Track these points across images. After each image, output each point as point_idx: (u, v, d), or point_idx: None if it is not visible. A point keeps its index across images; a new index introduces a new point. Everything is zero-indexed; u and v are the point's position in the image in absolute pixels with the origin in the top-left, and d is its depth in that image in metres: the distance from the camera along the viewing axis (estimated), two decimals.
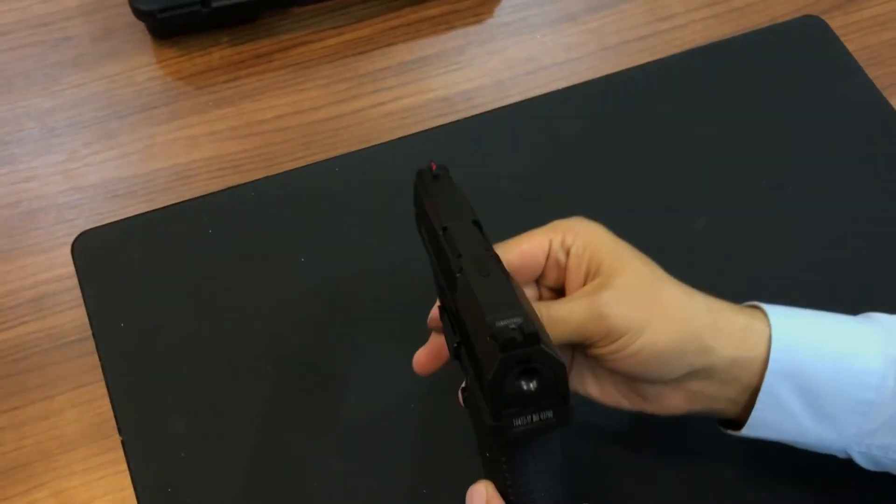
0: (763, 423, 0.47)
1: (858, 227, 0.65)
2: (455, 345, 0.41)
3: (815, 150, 0.68)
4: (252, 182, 0.66)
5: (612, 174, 0.67)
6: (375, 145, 0.67)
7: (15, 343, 0.60)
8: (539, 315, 0.42)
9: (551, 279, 0.48)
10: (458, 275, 0.41)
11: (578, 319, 0.44)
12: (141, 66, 0.73)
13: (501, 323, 0.37)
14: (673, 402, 0.47)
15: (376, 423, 0.56)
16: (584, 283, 0.46)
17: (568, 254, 0.46)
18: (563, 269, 0.47)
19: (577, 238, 0.46)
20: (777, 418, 0.46)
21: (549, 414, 0.38)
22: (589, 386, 0.49)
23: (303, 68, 0.72)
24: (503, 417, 0.37)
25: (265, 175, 0.66)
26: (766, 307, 0.47)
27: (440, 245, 0.43)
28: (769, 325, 0.46)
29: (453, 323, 0.42)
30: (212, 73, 0.72)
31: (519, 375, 0.37)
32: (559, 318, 0.44)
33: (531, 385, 0.37)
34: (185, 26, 0.72)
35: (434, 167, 0.46)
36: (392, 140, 0.68)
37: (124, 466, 0.55)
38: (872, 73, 0.72)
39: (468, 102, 0.71)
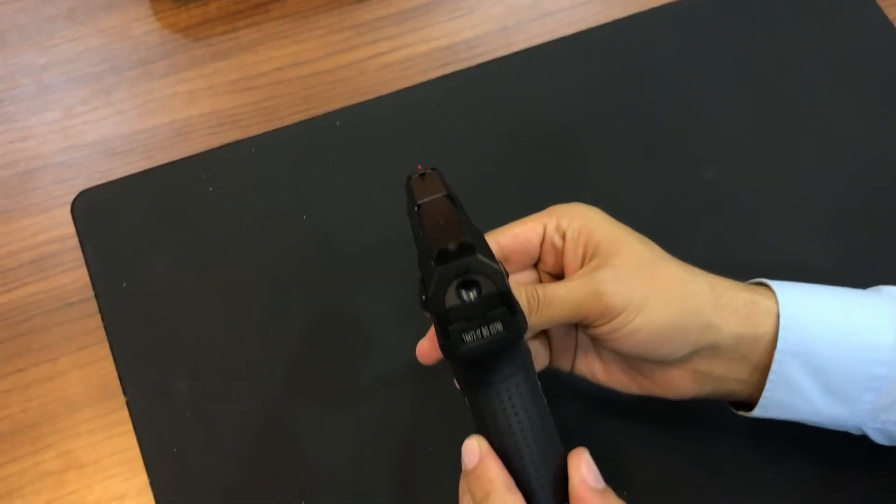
0: (774, 404, 0.46)
1: (875, 178, 0.63)
2: (423, 298, 0.40)
3: (830, 97, 0.66)
4: (252, 137, 0.64)
5: (620, 123, 0.65)
6: (376, 98, 0.66)
7: (17, 305, 0.60)
8: (536, 296, 0.42)
9: (549, 264, 0.47)
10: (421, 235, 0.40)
11: (575, 298, 0.43)
12: (137, 18, 0.71)
13: (443, 246, 0.37)
14: (681, 384, 0.46)
15: (382, 380, 0.56)
16: (582, 266, 0.45)
17: (564, 238, 0.46)
18: (560, 254, 0.47)
19: (573, 221, 0.46)
20: (788, 398, 0.45)
21: (499, 327, 0.37)
22: (597, 371, 0.49)
23: (301, 17, 0.70)
24: (451, 334, 0.37)
25: (265, 130, 0.65)
26: (772, 284, 0.46)
27: (413, 222, 0.42)
28: (776, 303, 0.45)
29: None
30: (209, 25, 0.70)
31: (459, 288, 0.37)
32: (556, 297, 0.43)
33: (471, 295, 0.37)
34: None
35: (421, 168, 0.44)
36: (393, 92, 0.66)
37: (130, 427, 0.55)
38: (893, 14, 0.70)
39: (472, 51, 0.69)
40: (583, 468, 0.40)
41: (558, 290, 0.43)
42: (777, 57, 0.68)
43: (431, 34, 0.70)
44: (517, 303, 0.38)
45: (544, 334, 0.49)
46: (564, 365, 0.50)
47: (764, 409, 0.46)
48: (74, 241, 0.61)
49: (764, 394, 0.45)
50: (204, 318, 0.58)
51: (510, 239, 0.46)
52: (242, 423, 0.55)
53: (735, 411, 0.49)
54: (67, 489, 0.55)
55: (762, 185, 0.63)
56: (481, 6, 0.71)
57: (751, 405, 0.47)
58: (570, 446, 0.41)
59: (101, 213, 0.62)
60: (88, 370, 0.58)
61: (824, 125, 0.65)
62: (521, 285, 0.43)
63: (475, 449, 0.40)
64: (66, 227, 0.62)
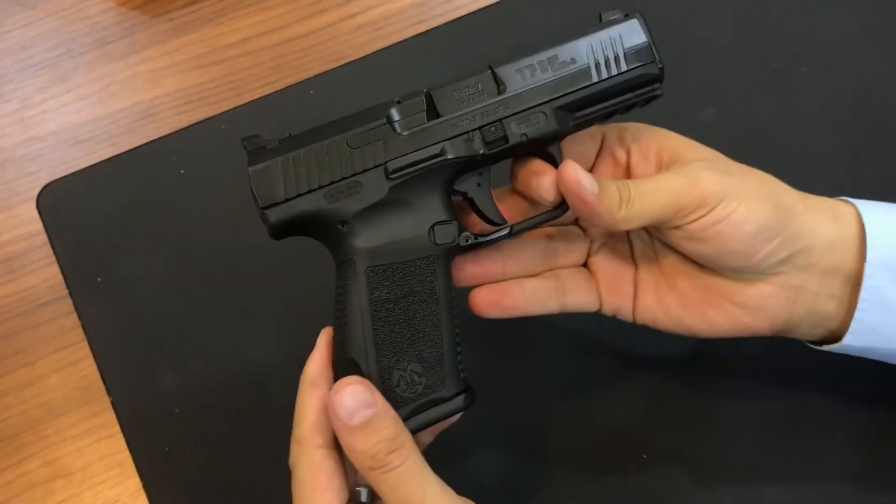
0: (867, 328, 0.43)
1: (879, 106, 0.60)
2: None
3: (827, 25, 0.63)
4: (222, 114, 0.61)
5: None
6: (350, 62, 0.62)
7: None
8: (628, 188, 0.41)
9: (605, 175, 0.45)
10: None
11: (671, 187, 0.41)
12: None
13: None
14: (776, 305, 0.43)
15: None
16: (657, 171, 0.43)
17: (629, 152, 0.44)
18: (621, 167, 0.44)
19: (640, 133, 0.44)
20: (881, 320, 0.43)
21: None
22: (671, 308, 0.45)
23: None
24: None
25: (235, 105, 0.62)
26: (846, 199, 0.44)
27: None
28: (854, 208, 0.43)
29: None
30: None
31: None
32: (649, 188, 0.41)
33: None
34: None
35: None
36: (368, 55, 0.63)
37: (117, 428, 0.53)
38: None
39: (447, 5, 0.66)
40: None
41: (649, 183, 0.41)
42: None
43: None
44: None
45: (587, 271, 0.47)
46: (623, 305, 0.46)
47: (856, 335, 0.43)
48: (43, 238, 0.58)
49: (856, 314, 0.42)
50: (185, 308, 0.56)
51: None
52: (233, 414, 0.53)
53: (818, 347, 0.46)
54: (56, 499, 0.52)
55: (762, 125, 0.59)
56: None
57: (835, 339, 0.44)
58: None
59: (68, 205, 0.59)
60: (69, 372, 0.55)
61: (824, 59, 0.61)
62: (607, 179, 0.41)
63: (322, 338, 0.42)
64: (32, 223, 0.59)
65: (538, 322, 0.47)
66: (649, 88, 0.42)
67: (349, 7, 0.66)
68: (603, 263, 0.46)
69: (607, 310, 0.46)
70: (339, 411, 0.37)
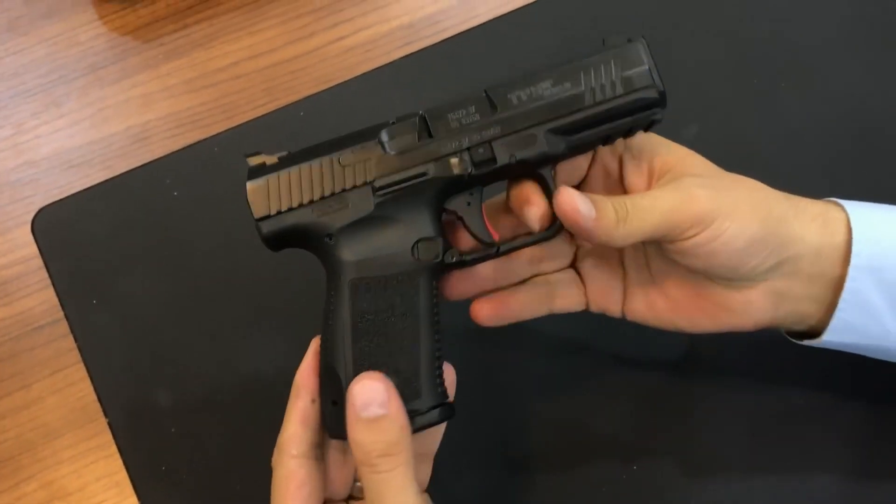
0: (846, 326, 0.44)
1: (860, 117, 0.61)
2: None
3: (805, 40, 0.64)
4: (214, 136, 0.62)
5: None
6: (340, 84, 0.63)
7: None
8: (624, 206, 0.41)
9: (597, 188, 0.46)
10: None
11: (666, 205, 0.41)
12: (82, 24, 0.68)
13: None
14: (760, 308, 0.44)
15: None
16: (650, 185, 0.44)
17: (621, 162, 0.44)
18: (613, 178, 0.45)
19: (631, 142, 0.44)
20: (860, 319, 0.44)
21: None
22: (659, 308, 0.46)
23: (254, 8, 0.68)
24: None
25: (227, 128, 0.62)
26: (837, 200, 0.45)
27: None
28: (845, 212, 0.44)
29: None
30: (158, 24, 0.68)
31: None
32: (644, 205, 0.41)
33: None
34: None
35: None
36: (357, 76, 0.64)
37: (114, 449, 0.53)
38: None
39: (434, 27, 0.67)
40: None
41: (644, 199, 0.42)
42: (751, 4, 0.66)
43: (391, 13, 0.67)
44: None
45: (575, 272, 0.48)
46: (612, 307, 0.47)
47: (835, 332, 0.44)
48: (38, 262, 0.58)
49: (836, 313, 0.44)
50: (180, 328, 0.56)
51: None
52: (230, 432, 0.53)
53: (797, 342, 0.47)
54: None
55: (745, 140, 0.61)
56: None
57: (815, 334, 0.45)
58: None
59: (63, 229, 0.59)
60: (65, 394, 0.56)
61: (804, 71, 0.63)
62: (604, 197, 0.41)
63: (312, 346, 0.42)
64: (27, 247, 0.59)
65: (524, 327, 0.48)
66: (649, 113, 0.43)
67: (338, 30, 0.67)
68: (592, 269, 0.47)
69: (595, 309, 0.48)
70: (356, 399, 0.38)
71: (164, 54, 0.66)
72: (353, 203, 0.42)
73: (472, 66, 0.64)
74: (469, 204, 0.44)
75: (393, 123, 0.43)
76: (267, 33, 0.67)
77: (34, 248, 0.58)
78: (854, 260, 0.43)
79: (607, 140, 0.44)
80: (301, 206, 0.42)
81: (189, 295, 0.57)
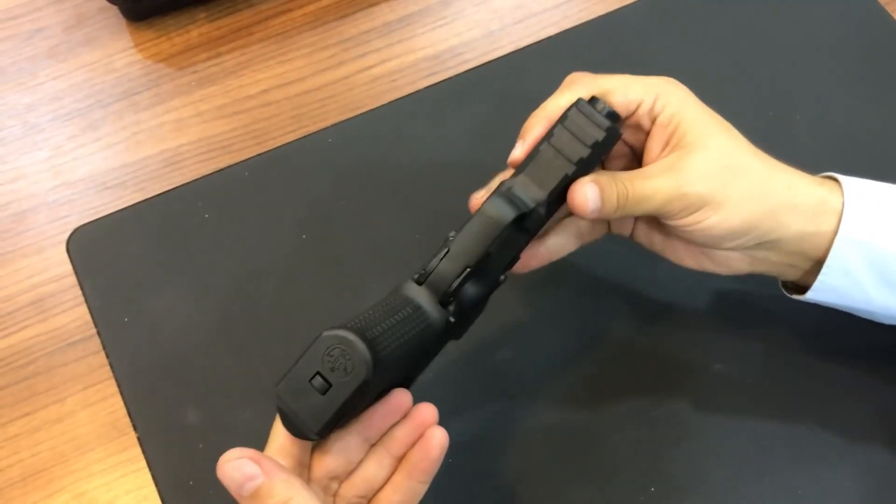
0: (828, 288, 0.47)
1: (873, 151, 0.63)
2: None
3: (821, 75, 0.66)
4: (244, 161, 0.64)
5: None
6: (366, 112, 0.65)
7: (19, 348, 0.59)
8: (626, 193, 0.44)
9: (625, 135, 0.48)
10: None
11: (662, 197, 0.44)
12: (118, 51, 0.70)
13: None
14: (737, 265, 0.48)
15: None
16: (663, 151, 0.46)
17: (654, 121, 0.46)
18: (641, 132, 0.47)
19: (667, 107, 0.45)
20: (843, 284, 0.46)
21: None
22: (655, 242, 0.49)
23: (285, 38, 0.70)
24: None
25: (256, 153, 0.64)
26: (842, 179, 0.47)
27: None
28: (842, 200, 0.46)
29: None
30: (192, 52, 0.70)
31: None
32: (643, 195, 0.44)
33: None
34: (160, 6, 0.70)
35: None
36: (383, 105, 0.66)
37: (143, 463, 0.54)
38: None
39: (458, 58, 0.69)
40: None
41: (645, 189, 0.44)
42: (765, 43, 0.67)
43: (417, 44, 0.70)
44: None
45: None
46: (623, 231, 0.50)
47: (817, 292, 0.47)
48: (72, 280, 0.60)
49: (819, 277, 0.46)
50: (209, 347, 0.57)
51: (612, 98, 0.45)
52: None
53: (787, 294, 0.50)
54: None
55: None
56: (465, 13, 0.71)
57: (804, 288, 0.48)
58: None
59: (97, 249, 0.61)
60: (97, 409, 0.57)
61: (818, 102, 0.64)
62: (611, 180, 0.44)
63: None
64: (62, 265, 0.61)
65: (521, 355, 0.50)
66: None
67: (365, 60, 0.69)
68: None
69: (614, 231, 0.51)
70: (230, 485, 0.39)
71: (197, 81, 0.69)
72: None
73: (495, 96, 0.66)
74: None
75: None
76: (296, 62, 0.69)
77: (69, 267, 0.60)
78: (842, 231, 0.45)
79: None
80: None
81: (218, 314, 0.58)
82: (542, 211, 0.43)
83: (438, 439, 0.42)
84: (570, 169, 0.43)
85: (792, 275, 0.48)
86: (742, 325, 0.57)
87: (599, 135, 0.43)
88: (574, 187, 0.44)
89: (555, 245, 0.49)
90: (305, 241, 0.61)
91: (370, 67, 0.69)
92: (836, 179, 0.47)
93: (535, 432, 0.54)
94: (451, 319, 0.43)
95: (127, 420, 0.55)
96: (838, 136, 0.63)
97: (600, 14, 0.69)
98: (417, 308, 0.43)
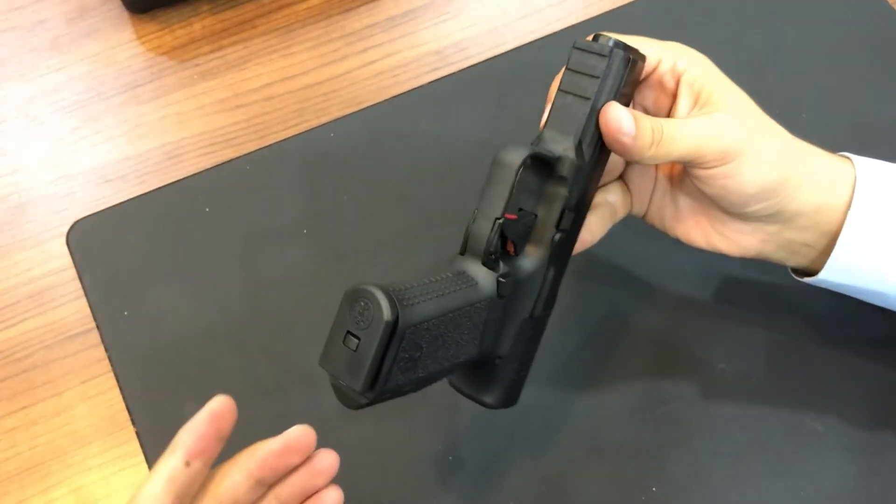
0: (841, 266, 0.46)
1: (880, 149, 0.62)
2: None
3: (826, 74, 0.65)
4: (246, 155, 0.64)
5: None
6: (369, 106, 0.65)
7: (18, 341, 0.58)
8: (661, 128, 0.43)
9: (648, 98, 0.47)
10: None
11: (699, 136, 0.43)
12: (121, 43, 0.70)
13: None
14: (748, 243, 0.47)
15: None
16: (692, 109, 0.45)
17: (678, 81, 0.46)
18: (664, 93, 0.46)
19: (692, 66, 0.45)
20: (856, 261, 0.46)
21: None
22: (667, 218, 0.49)
23: (288, 32, 0.70)
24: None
25: (258, 147, 0.64)
26: (853, 157, 0.47)
27: None
28: (854, 172, 0.46)
29: None
30: (194, 45, 0.70)
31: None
32: (679, 133, 0.43)
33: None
34: None
35: None
36: (386, 99, 0.65)
37: (141, 458, 0.54)
38: None
39: (462, 53, 0.69)
40: None
41: (680, 127, 0.44)
42: (771, 40, 0.67)
43: (420, 39, 0.69)
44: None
45: (623, 180, 0.50)
46: (639, 209, 0.50)
47: (830, 271, 0.47)
48: (72, 273, 0.60)
49: (833, 253, 0.46)
50: (209, 341, 0.57)
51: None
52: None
53: (798, 279, 0.50)
54: None
55: None
56: (469, 8, 0.71)
57: (812, 273, 0.47)
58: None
59: (97, 241, 0.61)
60: (95, 402, 0.57)
61: (825, 99, 0.64)
62: (644, 116, 0.43)
63: None
64: (62, 258, 0.60)
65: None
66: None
67: (368, 55, 0.69)
68: (637, 176, 0.50)
69: (636, 210, 0.51)
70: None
71: (200, 74, 0.68)
72: None
73: (498, 91, 0.65)
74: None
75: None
76: (299, 56, 0.69)
77: (68, 260, 0.60)
78: (855, 207, 0.45)
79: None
80: None
81: (217, 308, 0.58)
82: (571, 155, 0.43)
83: (332, 501, 0.42)
84: (587, 106, 0.43)
85: (804, 255, 0.48)
86: (745, 325, 0.56)
87: (602, 63, 0.43)
88: (605, 110, 0.43)
89: (595, 225, 0.48)
90: (307, 236, 0.60)
91: (373, 62, 0.68)
92: (847, 157, 0.47)
93: (535, 431, 0.54)
94: (501, 280, 0.42)
95: (125, 414, 0.55)
96: (844, 135, 0.63)
97: (605, 10, 0.69)
98: (460, 273, 0.42)
